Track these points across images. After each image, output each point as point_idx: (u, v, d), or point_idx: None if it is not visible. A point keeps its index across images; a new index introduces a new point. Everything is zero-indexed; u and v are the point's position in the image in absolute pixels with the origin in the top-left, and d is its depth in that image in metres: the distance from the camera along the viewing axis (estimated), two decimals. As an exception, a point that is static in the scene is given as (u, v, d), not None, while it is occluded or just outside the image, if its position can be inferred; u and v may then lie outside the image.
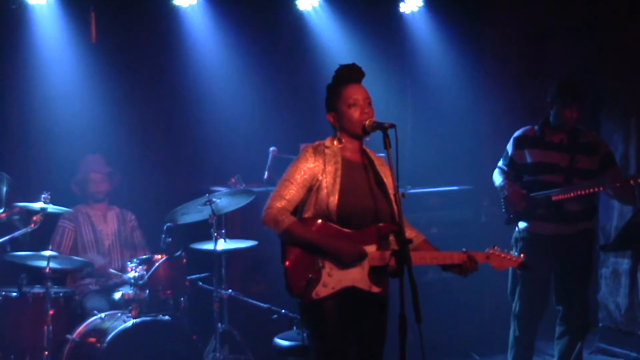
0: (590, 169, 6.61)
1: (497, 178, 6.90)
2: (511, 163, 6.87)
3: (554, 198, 6.53)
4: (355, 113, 4.90)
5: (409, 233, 5.03)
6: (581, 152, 6.64)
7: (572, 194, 6.50)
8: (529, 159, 6.76)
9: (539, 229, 6.65)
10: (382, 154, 4.90)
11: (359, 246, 4.79)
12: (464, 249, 4.92)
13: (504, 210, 6.82)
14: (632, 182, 6.42)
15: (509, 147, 6.90)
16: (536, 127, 6.80)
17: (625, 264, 8.42)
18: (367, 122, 4.86)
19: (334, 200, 4.81)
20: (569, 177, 6.56)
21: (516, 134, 6.91)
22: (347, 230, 4.81)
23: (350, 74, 4.98)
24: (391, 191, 4.88)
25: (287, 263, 4.82)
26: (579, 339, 6.77)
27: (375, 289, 4.82)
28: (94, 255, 7.39)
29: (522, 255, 5.07)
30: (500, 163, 6.98)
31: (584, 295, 6.74)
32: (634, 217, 6.39)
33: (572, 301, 6.70)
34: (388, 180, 4.91)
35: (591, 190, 6.52)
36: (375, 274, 4.84)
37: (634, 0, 8.20)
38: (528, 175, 6.74)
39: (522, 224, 6.73)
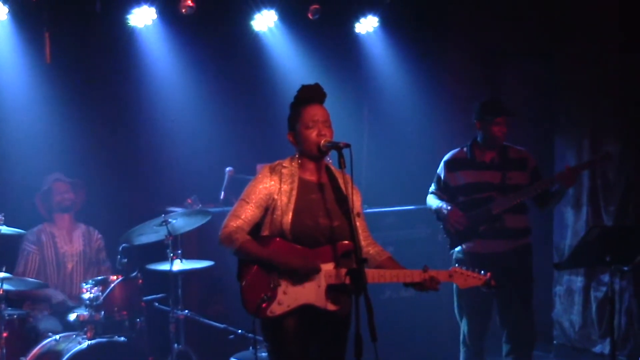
0: (521, 184, 6.71)
1: (433, 201, 6.93)
2: (444, 186, 6.92)
3: (494, 211, 6.60)
4: (312, 134, 4.92)
5: (373, 250, 5.07)
6: (512, 168, 6.74)
7: (514, 202, 6.60)
8: (462, 181, 6.81)
9: (480, 249, 6.67)
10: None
11: (312, 261, 4.79)
12: (424, 266, 4.93)
13: (445, 235, 6.86)
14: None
15: (441, 171, 6.95)
16: (466, 149, 6.87)
17: (579, 281, 8.50)
18: (322, 142, 4.88)
19: (287, 219, 4.83)
20: (503, 194, 6.64)
21: (446, 157, 6.97)
22: (303, 248, 4.82)
23: (311, 95, 4.99)
24: (354, 209, 4.90)
25: (243, 281, 4.84)
26: (526, 356, 6.80)
27: (331, 307, 4.83)
28: (52, 290, 7.30)
29: (488, 273, 5.06)
30: (432, 188, 7.02)
31: (527, 311, 6.76)
32: (587, 236, 6.46)
33: (515, 319, 6.72)
34: (352, 198, 4.89)
35: (537, 191, 6.64)
36: (333, 292, 4.85)
37: (588, 23, 8.32)
38: (462, 197, 6.78)
39: (463, 245, 6.77)
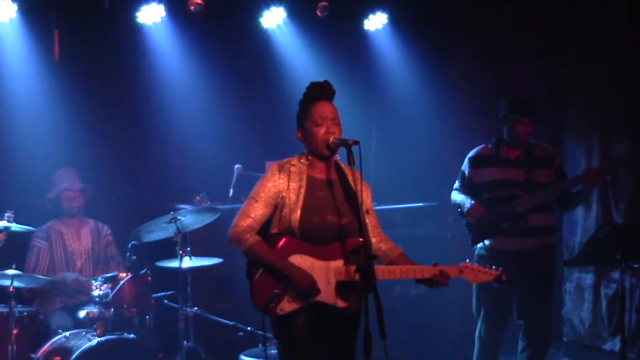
0: (546, 183, 6.66)
1: (457, 196, 6.92)
2: (468, 183, 6.89)
3: (519, 209, 6.56)
4: (320, 132, 4.91)
5: (385, 246, 5.06)
6: (537, 166, 6.69)
7: (539, 200, 6.56)
8: (486, 178, 6.78)
9: (503, 246, 6.65)
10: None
11: (314, 282, 4.77)
12: (434, 262, 4.93)
13: (467, 231, 6.85)
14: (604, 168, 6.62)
15: (465, 168, 6.92)
16: (490, 146, 6.84)
17: (589, 279, 8.48)
18: (330, 139, 4.87)
19: (295, 217, 4.83)
20: (528, 192, 6.60)
21: (471, 154, 6.94)
22: (313, 245, 4.82)
23: (319, 92, 4.99)
24: (363, 206, 4.89)
25: (252, 279, 4.84)
26: (541, 353, 6.81)
27: (341, 304, 4.83)
28: (65, 272, 7.34)
29: (499, 269, 5.06)
30: (456, 184, 7.00)
31: (545, 309, 6.77)
32: (597, 233, 6.45)
33: (533, 316, 6.72)
34: (362, 194, 4.89)
35: (564, 189, 6.62)
36: (343, 289, 4.84)
37: (597, 20, 8.30)
38: (487, 193, 6.75)
39: (486, 242, 6.75)
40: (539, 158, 6.74)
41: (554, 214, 6.82)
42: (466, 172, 6.91)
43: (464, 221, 6.85)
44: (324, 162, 5.00)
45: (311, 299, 4.78)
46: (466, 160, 6.94)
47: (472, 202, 6.71)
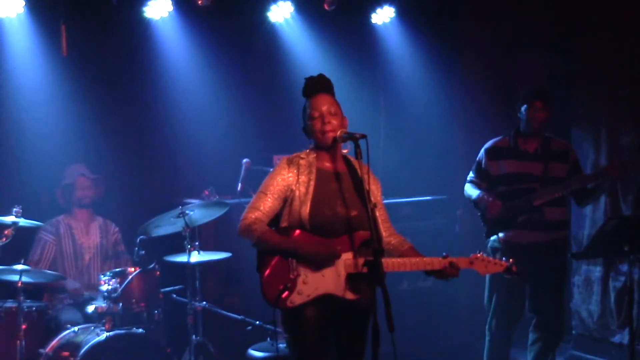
0: (562, 177, 6.65)
1: (473, 191, 6.87)
2: (484, 174, 6.87)
3: (535, 203, 6.55)
4: (316, 125, 4.95)
5: (395, 240, 5.09)
6: (554, 160, 6.69)
7: (557, 194, 6.56)
8: (504, 170, 6.77)
9: (517, 239, 6.65)
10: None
11: (332, 246, 4.80)
12: (444, 254, 4.93)
13: (483, 223, 6.83)
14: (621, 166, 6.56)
15: (481, 159, 6.90)
16: (509, 138, 6.82)
17: (597, 271, 8.46)
18: (338, 133, 4.90)
19: (305, 210, 4.84)
20: (544, 186, 6.60)
21: (487, 145, 6.92)
22: (322, 238, 4.83)
23: (313, 86, 5.04)
24: (373, 199, 4.89)
25: (263, 272, 4.86)
26: (552, 346, 6.80)
27: (350, 296, 4.84)
28: (69, 279, 7.34)
29: (510, 260, 5.06)
30: (470, 175, 6.98)
31: (557, 302, 6.77)
32: (605, 225, 6.44)
33: (545, 309, 6.72)
34: (371, 187, 4.90)
35: (584, 183, 6.61)
36: (353, 281, 4.85)
37: (605, 12, 8.27)
38: (503, 186, 6.74)
39: (500, 234, 6.74)
40: (556, 152, 6.74)
41: (567, 208, 6.81)
42: (482, 163, 6.89)
43: (479, 213, 6.83)
44: (330, 155, 5.02)
45: (336, 259, 4.79)
46: (482, 150, 6.92)
47: (491, 198, 6.68)
